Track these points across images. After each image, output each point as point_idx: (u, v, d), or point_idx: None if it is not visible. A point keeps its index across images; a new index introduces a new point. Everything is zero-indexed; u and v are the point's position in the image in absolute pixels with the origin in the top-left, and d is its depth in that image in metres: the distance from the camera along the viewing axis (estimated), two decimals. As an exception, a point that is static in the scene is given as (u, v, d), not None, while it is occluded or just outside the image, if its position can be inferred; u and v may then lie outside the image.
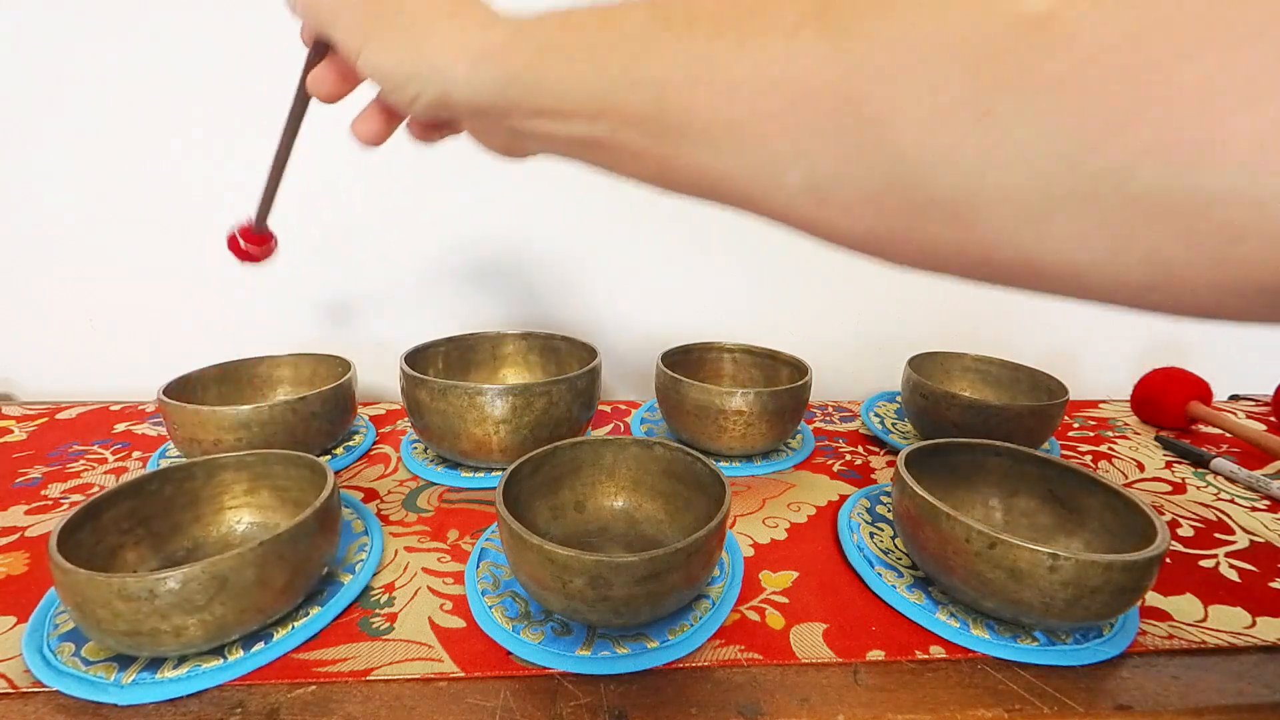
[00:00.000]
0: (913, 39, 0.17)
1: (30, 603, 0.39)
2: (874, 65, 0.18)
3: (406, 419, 0.63)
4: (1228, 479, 0.61)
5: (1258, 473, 0.59)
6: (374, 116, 0.34)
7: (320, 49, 0.34)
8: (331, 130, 0.70)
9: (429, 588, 0.42)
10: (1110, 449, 0.67)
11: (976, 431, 0.58)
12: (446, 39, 0.27)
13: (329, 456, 0.59)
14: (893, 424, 0.70)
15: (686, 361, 0.70)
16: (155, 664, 0.34)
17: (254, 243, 0.46)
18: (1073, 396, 0.62)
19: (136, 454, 0.60)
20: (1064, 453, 0.66)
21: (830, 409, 0.77)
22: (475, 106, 0.27)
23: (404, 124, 0.35)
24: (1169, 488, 0.59)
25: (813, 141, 0.19)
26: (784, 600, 0.42)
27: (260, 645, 0.36)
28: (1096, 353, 0.89)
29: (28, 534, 0.47)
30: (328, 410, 0.57)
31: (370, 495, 0.54)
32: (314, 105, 0.37)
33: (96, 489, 0.53)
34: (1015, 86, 0.16)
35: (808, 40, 0.19)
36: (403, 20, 0.28)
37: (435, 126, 0.34)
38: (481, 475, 0.57)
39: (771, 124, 0.20)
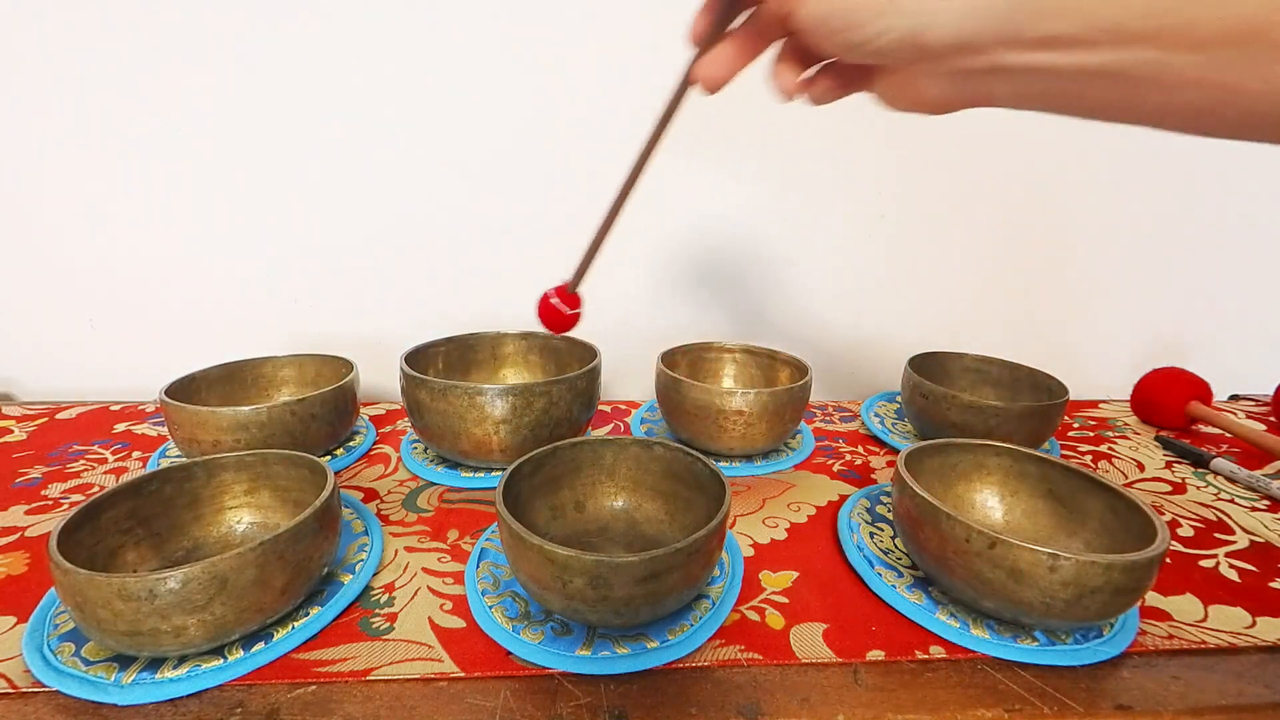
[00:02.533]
0: None
1: (30, 603, 0.39)
2: None
3: (406, 419, 0.63)
4: (1228, 479, 0.61)
5: (1258, 473, 0.59)
6: (787, 68, 0.31)
7: (721, 25, 0.31)
8: (331, 131, 0.70)
9: (429, 588, 0.42)
10: (1110, 449, 0.67)
11: (976, 431, 0.58)
12: None
13: (329, 456, 0.59)
14: (893, 424, 0.70)
15: (686, 361, 0.70)
16: (155, 664, 0.34)
17: (569, 304, 0.43)
18: (1073, 396, 0.62)
19: (136, 454, 0.60)
20: (1064, 453, 0.66)
21: (830, 409, 0.77)
22: (958, 42, 0.24)
23: (807, 81, 0.32)
24: (1169, 488, 0.59)
25: None
26: (784, 600, 0.42)
27: (260, 645, 0.36)
28: (1096, 353, 0.89)
29: (28, 534, 0.47)
30: (328, 412, 0.57)
31: (370, 495, 0.54)
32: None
33: (96, 489, 0.53)
34: None
35: None
36: None
37: (848, 83, 0.32)
38: (481, 475, 0.57)
39: None
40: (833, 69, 0.31)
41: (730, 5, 0.31)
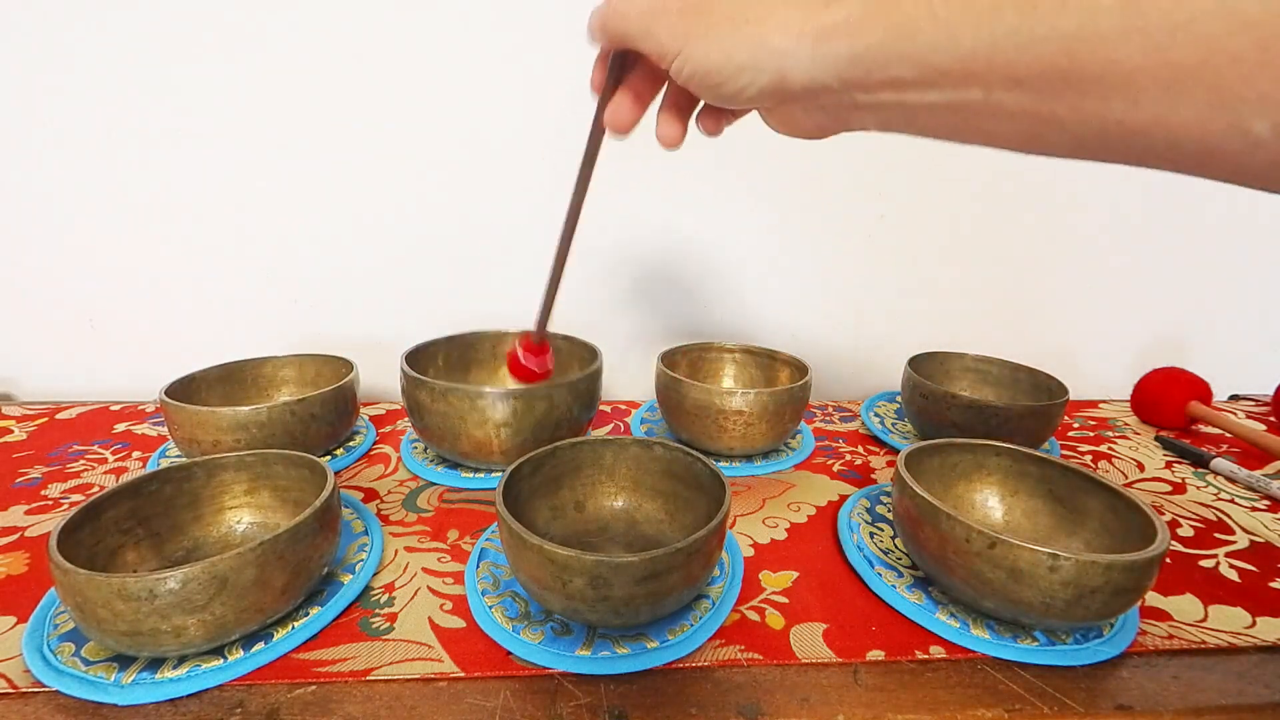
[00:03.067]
0: None
1: (30, 603, 0.39)
2: None
3: (407, 419, 0.63)
4: (1228, 479, 0.61)
5: (1258, 473, 0.59)
6: (670, 119, 0.35)
7: (616, 77, 0.35)
8: (330, 132, 0.70)
9: (429, 588, 0.42)
10: (1110, 449, 0.67)
11: (976, 431, 0.58)
12: (786, 23, 0.27)
13: (329, 456, 0.59)
14: (893, 424, 0.70)
15: (686, 361, 0.70)
16: (155, 664, 0.34)
17: (534, 353, 0.46)
18: (1073, 396, 0.62)
19: (136, 454, 0.60)
20: (1064, 453, 0.66)
21: (830, 409, 0.77)
22: (814, 87, 0.27)
23: (693, 119, 0.36)
24: (1169, 488, 0.59)
25: None
26: (784, 600, 0.42)
27: (260, 645, 0.36)
28: (1096, 353, 0.89)
29: (28, 534, 0.47)
30: (328, 412, 0.57)
31: (370, 495, 0.54)
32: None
33: (96, 489, 0.53)
34: None
35: None
36: (730, 11, 0.28)
37: (729, 116, 0.36)
38: (481, 475, 0.57)
39: (1233, 70, 0.18)
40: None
41: (621, 58, 0.35)
